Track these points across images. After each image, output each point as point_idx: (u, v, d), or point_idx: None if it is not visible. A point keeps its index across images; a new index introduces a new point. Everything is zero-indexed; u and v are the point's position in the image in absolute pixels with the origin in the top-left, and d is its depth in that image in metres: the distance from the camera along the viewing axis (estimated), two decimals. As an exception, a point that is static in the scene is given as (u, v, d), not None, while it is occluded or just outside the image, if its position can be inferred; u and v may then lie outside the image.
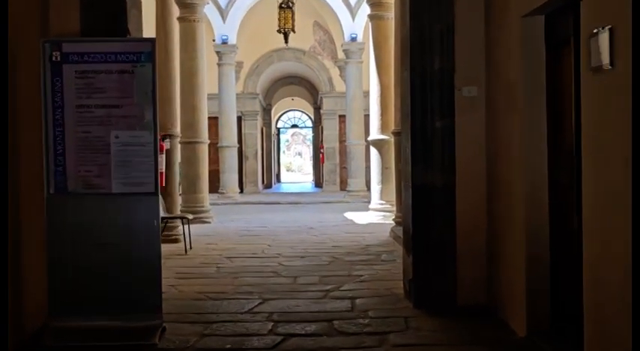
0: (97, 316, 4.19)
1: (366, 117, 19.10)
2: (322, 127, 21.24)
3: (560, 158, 3.89)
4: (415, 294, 4.75)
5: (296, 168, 43.53)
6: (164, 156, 8.60)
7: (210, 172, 20.86)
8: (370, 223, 11.13)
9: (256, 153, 20.55)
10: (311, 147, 49.21)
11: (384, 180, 11.46)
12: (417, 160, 4.76)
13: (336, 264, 6.96)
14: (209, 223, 11.34)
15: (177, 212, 9.00)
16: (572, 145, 3.61)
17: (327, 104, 20.47)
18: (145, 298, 4.27)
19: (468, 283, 4.69)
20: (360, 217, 12.23)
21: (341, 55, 19.65)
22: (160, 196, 8.57)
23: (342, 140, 20.37)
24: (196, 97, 11.42)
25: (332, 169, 20.53)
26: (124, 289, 4.25)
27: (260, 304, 5.05)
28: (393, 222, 11.00)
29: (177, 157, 8.99)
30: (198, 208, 11.39)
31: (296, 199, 17.47)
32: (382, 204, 11.51)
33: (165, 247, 8.55)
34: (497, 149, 4.57)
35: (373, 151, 11.62)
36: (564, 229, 3.82)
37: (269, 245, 8.51)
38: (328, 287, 5.64)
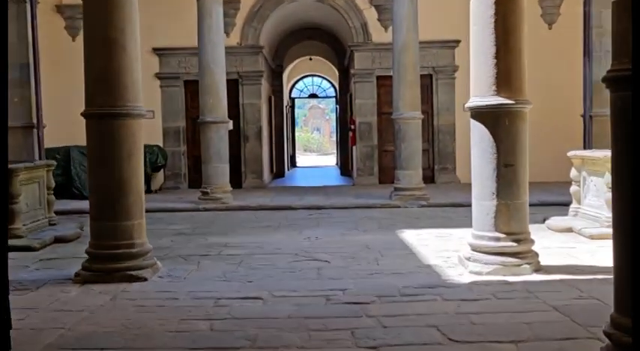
0: None
1: (424, 78, 13.18)
2: (352, 95, 15.26)
3: None
4: None
5: (315, 147, 37.43)
6: None
7: (192, 158, 15.10)
8: (480, 283, 5.22)
9: (260, 131, 14.63)
10: (332, 122, 43.25)
11: (501, 190, 5.53)
12: None
13: None
14: (143, 279, 5.51)
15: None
16: None
17: (360, 61, 14.44)
18: None
19: None
20: (441, 255, 6.39)
21: (380, -11, 13.70)
22: None
23: (381, 112, 14.40)
24: (116, 22, 5.53)
25: (367, 153, 14.55)
26: None
27: None
28: (522, 277, 5.23)
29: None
30: (124, 251, 5.58)
31: (317, 201, 11.59)
32: (498, 239, 5.57)
33: None
34: None
35: (477, 128, 5.67)
36: None
37: None
38: None
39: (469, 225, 8.73)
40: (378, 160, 14.51)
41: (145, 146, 13.22)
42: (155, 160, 13.36)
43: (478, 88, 5.64)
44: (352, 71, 14.66)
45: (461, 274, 5.60)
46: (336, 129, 23.31)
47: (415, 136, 11.07)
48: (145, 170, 13.21)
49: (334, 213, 10.43)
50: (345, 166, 18.67)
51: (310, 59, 20.51)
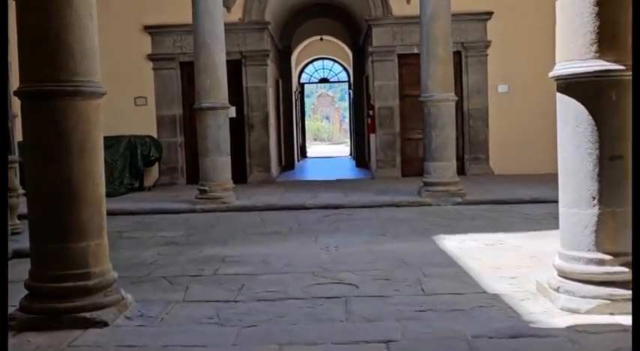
0: None
1: (456, 54, 11.54)
2: (370, 77, 13.61)
3: None
4: None
5: (326, 136, 35.71)
6: None
7: (190, 150, 13.27)
8: (584, 330, 3.56)
9: (267, 118, 13.01)
10: (342, 110, 41.59)
11: (605, 193, 3.90)
12: None
13: None
14: (102, 324, 3.91)
15: None
16: None
17: (378, 38, 12.78)
18: None
19: None
20: (503, 275, 4.78)
21: (401, -47, 12.03)
22: None
23: (404, 95, 12.78)
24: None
25: (388, 141, 12.90)
26: None
27: None
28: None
29: None
30: (75, 284, 3.98)
31: (334, 199, 10.01)
32: (601, 262, 3.92)
33: None
34: None
35: (568, 106, 4.01)
36: None
37: None
38: None
39: (520, 228, 7.18)
40: (400, 149, 12.88)
41: (137, 137, 11.76)
42: (148, 153, 11.82)
43: (570, 48, 3.98)
44: (370, 49, 12.98)
45: (548, 312, 3.98)
46: (350, 116, 21.66)
47: (449, 122, 9.45)
48: (137, 165, 11.69)
49: (355, 213, 8.86)
50: (360, 156, 17.06)
51: (321, 39, 18.85)
